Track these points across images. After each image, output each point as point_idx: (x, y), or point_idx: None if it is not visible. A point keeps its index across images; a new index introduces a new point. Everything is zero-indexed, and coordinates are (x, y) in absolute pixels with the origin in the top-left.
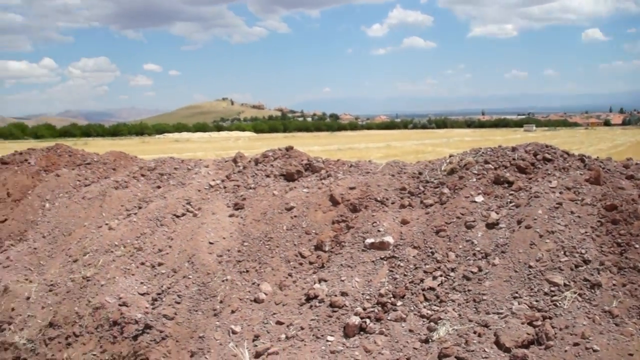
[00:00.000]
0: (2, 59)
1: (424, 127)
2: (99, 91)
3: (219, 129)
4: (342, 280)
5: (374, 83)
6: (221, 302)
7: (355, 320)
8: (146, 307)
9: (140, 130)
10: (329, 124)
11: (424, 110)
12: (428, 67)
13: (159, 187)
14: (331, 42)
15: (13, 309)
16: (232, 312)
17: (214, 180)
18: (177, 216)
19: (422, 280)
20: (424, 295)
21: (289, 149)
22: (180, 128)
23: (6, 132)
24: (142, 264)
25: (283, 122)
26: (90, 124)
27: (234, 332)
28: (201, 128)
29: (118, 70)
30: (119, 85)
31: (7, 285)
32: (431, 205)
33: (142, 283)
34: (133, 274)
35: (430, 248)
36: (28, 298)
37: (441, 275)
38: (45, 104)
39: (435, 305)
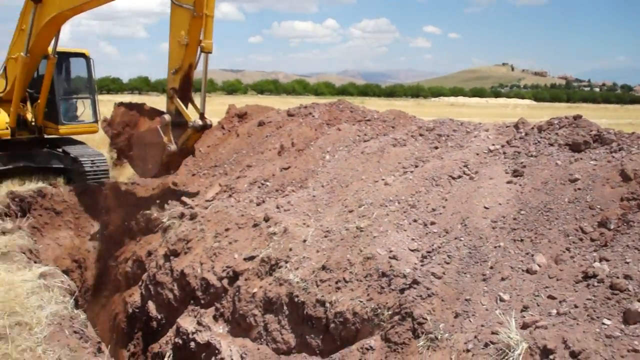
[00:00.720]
0: (290, 19)
1: None
2: (377, 52)
3: (497, 95)
4: (627, 263)
5: None
6: (491, 267)
7: (639, 306)
8: (415, 263)
9: (416, 92)
10: (619, 95)
11: None
12: None
13: (436, 147)
14: (632, 4)
15: (290, 249)
16: (502, 279)
17: (493, 145)
18: (453, 178)
19: None
20: None
21: (576, 117)
22: (456, 92)
23: (289, 88)
24: (415, 221)
25: (567, 92)
26: (368, 83)
27: (502, 300)
28: (478, 93)
29: (397, 32)
30: (397, 47)
31: (287, 227)
32: None
33: (413, 239)
34: (405, 230)
35: None
36: (304, 241)
37: None
38: (325, 63)
39: None
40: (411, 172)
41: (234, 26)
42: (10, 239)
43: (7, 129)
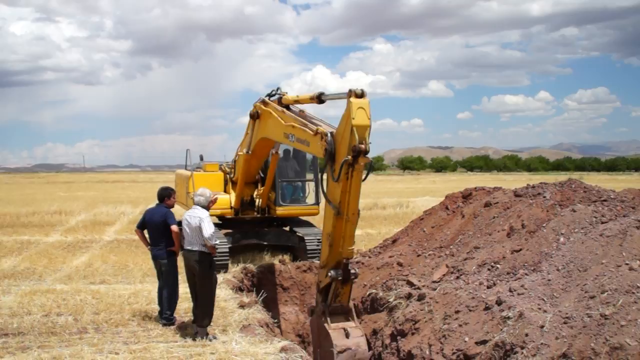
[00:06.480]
0: (500, 93)
1: None
2: (595, 123)
3: None
4: None
5: None
6: None
7: None
8: None
9: None
10: None
11: None
12: None
13: None
14: None
15: (527, 335)
16: None
17: None
18: None
19: None
20: None
21: None
22: None
23: (500, 164)
24: None
25: None
26: (585, 157)
27: None
28: None
29: (618, 101)
30: (618, 117)
31: (522, 312)
32: None
33: None
34: None
35: None
36: (542, 327)
37: None
38: (538, 136)
39: None
40: None
41: (443, 103)
42: (249, 312)
43: (230, 208)
